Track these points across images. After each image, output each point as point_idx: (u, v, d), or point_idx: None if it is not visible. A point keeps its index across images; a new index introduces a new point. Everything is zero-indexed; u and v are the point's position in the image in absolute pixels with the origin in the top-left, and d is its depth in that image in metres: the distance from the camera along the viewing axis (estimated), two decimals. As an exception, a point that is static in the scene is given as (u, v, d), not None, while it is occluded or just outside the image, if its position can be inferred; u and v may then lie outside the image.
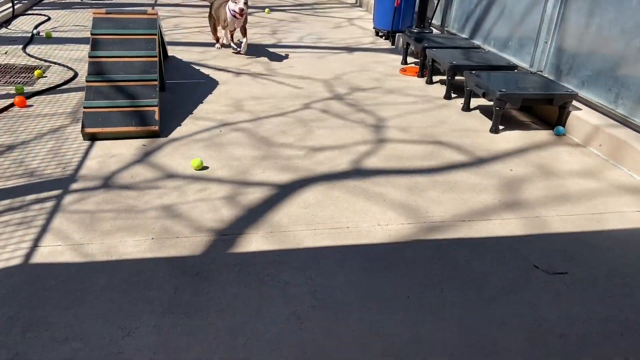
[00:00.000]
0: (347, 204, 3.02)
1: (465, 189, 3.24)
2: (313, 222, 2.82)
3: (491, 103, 4.21)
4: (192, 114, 4.42)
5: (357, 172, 3.42)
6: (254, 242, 2.65)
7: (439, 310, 2.20)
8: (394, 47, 7.04)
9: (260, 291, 2.30)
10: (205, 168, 3.43)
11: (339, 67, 5.96)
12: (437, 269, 2.46)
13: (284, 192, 3.15)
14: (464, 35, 6.51)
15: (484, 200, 3.11)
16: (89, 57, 4.16)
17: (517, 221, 2.89)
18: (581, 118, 4.09)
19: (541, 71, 4.89)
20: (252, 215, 2.88)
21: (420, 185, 3.26)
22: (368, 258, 2.53)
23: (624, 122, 3.91)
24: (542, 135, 4.18)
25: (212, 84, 5.24)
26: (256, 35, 7.60)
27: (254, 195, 3.09)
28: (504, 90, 4.03)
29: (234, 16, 5.64)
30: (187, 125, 4.15)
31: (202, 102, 4.70)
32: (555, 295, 2.31)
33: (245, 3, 5.55)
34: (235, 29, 6.10)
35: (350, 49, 6.85)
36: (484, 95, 4.22)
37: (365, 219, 2.87)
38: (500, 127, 4.22)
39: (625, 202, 3.13)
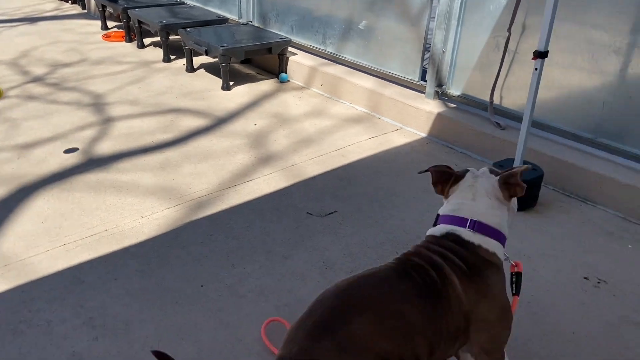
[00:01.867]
0: (96, 202, 2.55)
1: (219, 154, 3.09)
2: (59, 237, 2.29)
3: (215, 60, 4.07)
4: None
5: (94, 162, 2.92)
6: (-16, 285, 2.01)
7: (240, 287, 2.06)
8: (86, 11, 6.21)
9: (19, 344, 1.77)
10: None
11: (26, 42, 4.96)
12: (220, 246, 2.30)
13: (4, 208, 2.47)
14: (162, -8, 6.12)
15: (241, 160, 3.02)
16: None
17: (278, 174, 2.90)
18: (299, 62, 4.31)
19: (251, 21, 4.94)
20: (-31, 252, 2.18)
21: (173, 161, 2.98)
22: (142, 258, 2.20)
23: (335, 60, 4.27)
24: (269, 84, 4.28)
25: None
26: None
27: (-38, 225, 2.35)
28: (226, 45, 3.93)
29: None
30: None
31: None
32: (334, 235, 2.41)
33: None
34: None
35: (32, 19, 5.76)
36: (206, 53, 4.05)
37: (124, 214, 2.47)
38: (230, 83, 4.15)
39: (356, 132, 3.45)
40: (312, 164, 3.02)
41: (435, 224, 1.44)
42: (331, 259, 2.25)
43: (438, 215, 1.45)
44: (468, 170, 1.47)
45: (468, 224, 1.34)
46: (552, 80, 2.89)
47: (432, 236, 1.40)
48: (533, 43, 2.95)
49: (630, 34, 2.57)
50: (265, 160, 3.04)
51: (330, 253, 2.29)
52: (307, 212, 2.58)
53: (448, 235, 1.36)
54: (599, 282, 2.13)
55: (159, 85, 4.09)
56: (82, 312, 1.91)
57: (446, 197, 1.48)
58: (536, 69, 2.43)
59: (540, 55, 2.39)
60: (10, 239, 2.26)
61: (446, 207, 1.44)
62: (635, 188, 2.55)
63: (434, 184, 1.49)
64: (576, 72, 2.82)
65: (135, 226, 2.39)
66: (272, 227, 2.44)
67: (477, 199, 1.39)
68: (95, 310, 1.92)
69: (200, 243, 2.30)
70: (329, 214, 2.58)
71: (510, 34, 3.01)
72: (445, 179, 1.46)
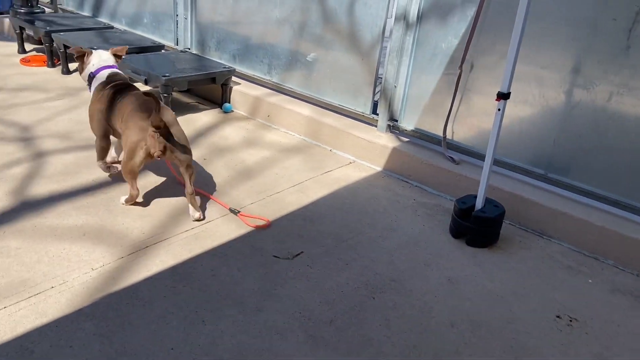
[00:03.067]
0: (36, 254, 2.25)
1: (170, 192, 2.87)
2: (-3, 298, 1.99)
3: (153, 89, 3.84)
4: None
5: (28, 205, 2.60)
6: None
7: (214, 347, 1.88)
8: (-2, 31, 5.68)
9: None
10: None
11: None
12: (186, 300, 2.10)
13: None
14: (85, 14, 5.75)
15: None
16: None
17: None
18: (242, 92, 4.18)
19: (189, 49, 4.75)
20: None
21: (118, 200, 2.72)
22: (99, 319, 1.95)
23: (281, 90, 4.18)
24: (213, 114, 4.10)
25: None
26: None
27: None
28: (168, 74, 3.72)
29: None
30: None
31: None
32: (306, 280, 2.30)
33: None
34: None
35: None
36: (146, 83, 3.80)
37: (71, 267, 2.20)
38: (171, 114, 3.92)
39: (311, 167, 3.36)
40: (270, 202, 2.89)
41: (95, 74, 2.74)
42: (308, 309, 2.12)
43: (96, 72, 2.76)
44: (93, 49, 2.85)
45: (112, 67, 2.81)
46: (505, 117, 2.98)
47: (108, 77, 2.72)
48: (483, 80, 3.04)
49: (579, 75, 2.72)
50: (220, 198, 2.86)
51: (305, 302, 2.16)
52: (274, 256, 2.44)
53: (113, 74, 2.76)
54: (570, 321, 2.18)
55: (92, 115, 3.77)
56: (34, 390, 1.65)
57: (86, 63, 2.79)
58: (499, 109, 2.50)
59: (503, 96, 2.46)
60: None
61: (95, 64, 2.77)
62: (587, 222, 2.67)
63: (77, 58, 2.78)
64: (528, 110, 2.94)
65: (86, 281, 2.13)
66: (239, 274, 2.28)
67: (103, 57, 2.82)
68: (50, 387, 1.66)
69: (164, 297, 2.09)
70: (296, 255, 2.46)
71: (461, 71, 3.09)
72: (83, 55, 2.79)
